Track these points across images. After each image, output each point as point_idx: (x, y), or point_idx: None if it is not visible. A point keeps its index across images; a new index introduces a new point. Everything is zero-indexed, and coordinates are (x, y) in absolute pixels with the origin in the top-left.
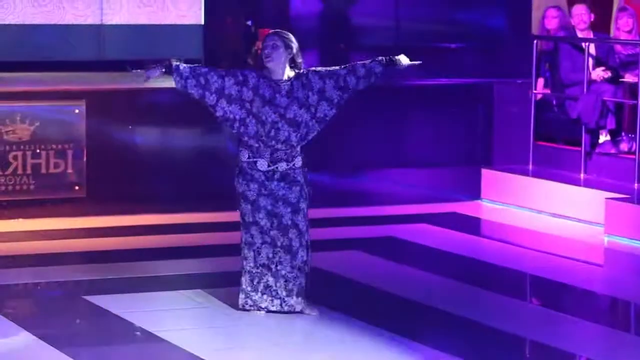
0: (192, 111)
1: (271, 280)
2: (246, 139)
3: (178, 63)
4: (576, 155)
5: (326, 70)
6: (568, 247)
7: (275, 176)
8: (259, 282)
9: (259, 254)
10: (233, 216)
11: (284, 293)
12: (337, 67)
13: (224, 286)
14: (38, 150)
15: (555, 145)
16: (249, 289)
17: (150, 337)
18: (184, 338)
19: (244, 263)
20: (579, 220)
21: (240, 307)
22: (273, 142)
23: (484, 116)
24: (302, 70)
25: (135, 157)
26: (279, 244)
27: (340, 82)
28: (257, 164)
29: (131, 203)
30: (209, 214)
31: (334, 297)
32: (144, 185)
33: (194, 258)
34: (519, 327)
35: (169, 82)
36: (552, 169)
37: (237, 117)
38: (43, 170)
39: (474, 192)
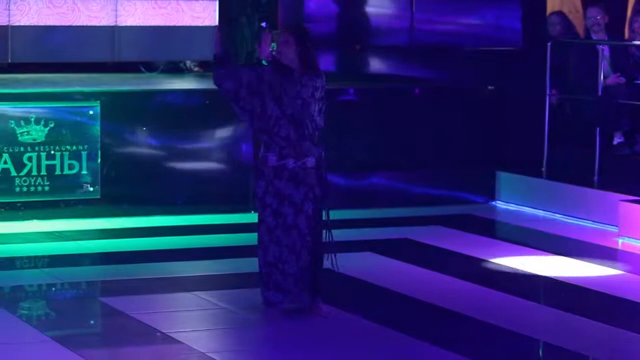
0: (206, 112)
1: (280, 278)
2: (262, 133)
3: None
4: (590, 157)
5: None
6: (582, 249)
7: (285, 175)
8: (268, 281)
9: (267, 252)
10: (247, 218)
11: (295, 290)
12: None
13: (239, 287)
14: (53, 152)
15: (569, 147)
16: (262, 286)
17: (165, 338)
18: (198, 339)
19: (260, 262)
20: (593, 222)
21: (262, 301)
22: (276, 138)
23: (498, 118)
24: (319, 72)
25: (150, 158)
26: (284, 243)
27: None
28: (268, 159)
29: (145, 204)
30: (223, 215)
31: (348, 298)
32: (158, 187)
33: (209, 259)
34: (534, 329)
35: (183, 84)
36: (567, 171)
37: (259, 110)
38: (58, 172)
39: (489, 194)
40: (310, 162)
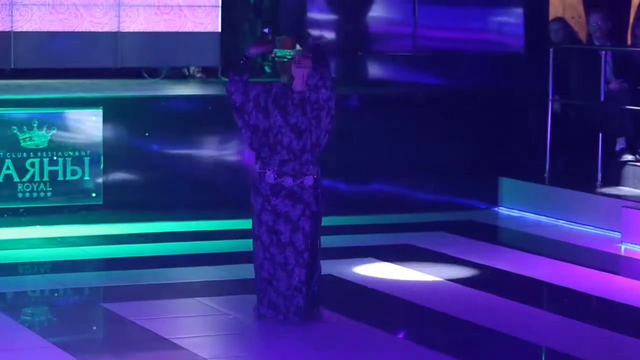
0: (208, 118)
1: (274, 295)
2: (261, 148)
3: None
4: (593, 163)
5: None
6: (585, 255)
7: (282, 192)
8: (263, 297)
9: (262, 268)
10: (249, 224)
11: (284, 310)
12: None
13: (241, 293)
14: (55, 157)
15: (572, 153)
16: (256, 301)
17: (166, 344)
18: (200, 345)
19: (256, 278)
20: (596, 228)
21: (254, 314)
22: (278, 147)
23: (501, 124)
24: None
25: (152, 164)
26: (277, 260)
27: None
28: (266, 176)
29: (148, 210)
30: (225, 221)
31: (350, 304)
32: (160, 193)
33: (211, 265)
34: (536, 335)
35: (185, 90)
36: (569, 177)
37: (261, 127)
38: (60, 177)
39: (491, 200)
40: (308, 181)
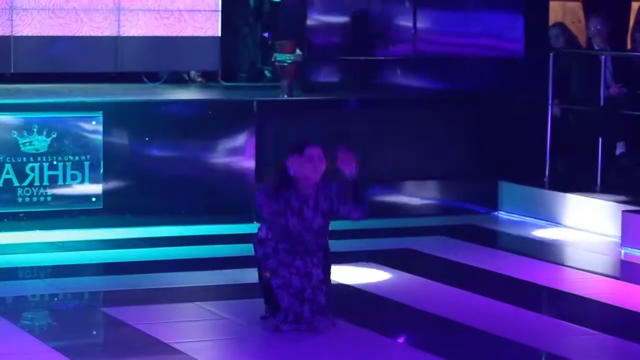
0: (209, 123)
1: (298, 306)
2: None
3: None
4: (593, 167)
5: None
6: (584, 259)
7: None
8: (289, 312)
9: (291, 284)
10: (250, 228)
11: (308, 315)
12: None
13: (242, 298)
14: (55, 162)
15: (572, 158)
16: (276, 319)
17: (166, 349)
18: (200, 349)
19: (279, 301)
20: (596, 233)
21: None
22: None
23: (501, 129)
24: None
25: (152, 168)
26: (302, 271)
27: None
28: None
29: (148, 215)
30: (226, 225)
31: (350, 309)
32: (160, 197)
33: (212, 270)
34: (535, 339)
35: (185, 94)
36: (569, 181)
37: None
38: (60, 182)
39: (491, 205)
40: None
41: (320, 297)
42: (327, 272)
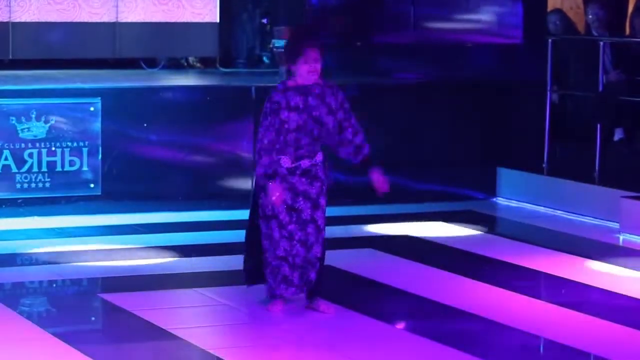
0: (207, 109)
1: (288, 271)
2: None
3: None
4: (591, 153)
5: (348, 107)
6: (583, 245)
7: (297, 172)
8: (277, 273)
9: (278, 246)
10: (247, 214)
11: (300, 282)
12: (351, 118)
13: (240, 284)
14: (53, 148)
15: (570, 144)
16: (270, 279)
17: (165, 335)
18: (199, 335)
19: (266, 255)
20: (594, 218)
21: (266, 294)
22: (310, 149)
23: (499, 115)
24: (331, 82)
25: (150, 155)
26: (296, 237)
27: (342, 124)
28: (281, 161)
29: (146, 201)
30: (224, 211)
31: (349, 295)
32: (158, 183)
33: (209, 256)
34: (534, 325)
35: (184, 80)
36: (568, 167)
37: (283, 140)
38: (58, 168)
39: (490, 191)
40: (319, 157)
41: (312, 273)
42: (324, 252)
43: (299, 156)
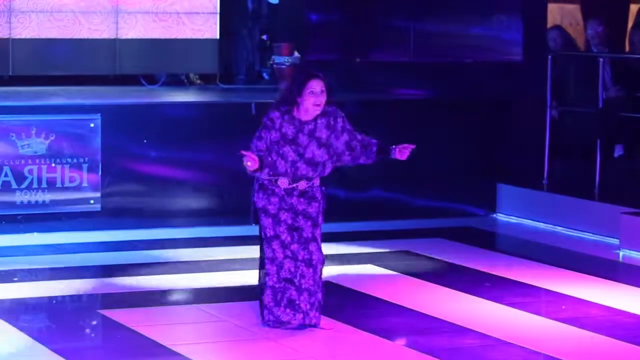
0: (206, 125)
1: (295, 294)
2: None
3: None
4: (591, 169)
5: (350, 127)
6: (583, 261)
7: (295, 192)
8: (282, 297)
9: (282, 268)
10: (248, 230)
11: (307, 307)
12: (355, 135)
13: (241, 300)
14: (53, 165)
15: (570, 160)
16: (272, 304)
17: (165, 351)
18: (199, 352)
19: (267, 279)
20: (594, 235)
21: (264, 323)
22: (300, 177)
23: (499, 130)
24: (329, 109)
25: (150, 171)
26: (299, 257)
27: (350, 144)
28: (278, 182)
29: (145, 217)
30: (224, 228)
31: (349, 311)
32: (158, 200)
33: (210, 272)
34: (534, 341)
35: (184, 97)
36: (568, 183)
37: (273, 159)
38: (58, 184)
39: (490, 207)
40: (317, 180)
41: (320, 294)
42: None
43: (297, 178)
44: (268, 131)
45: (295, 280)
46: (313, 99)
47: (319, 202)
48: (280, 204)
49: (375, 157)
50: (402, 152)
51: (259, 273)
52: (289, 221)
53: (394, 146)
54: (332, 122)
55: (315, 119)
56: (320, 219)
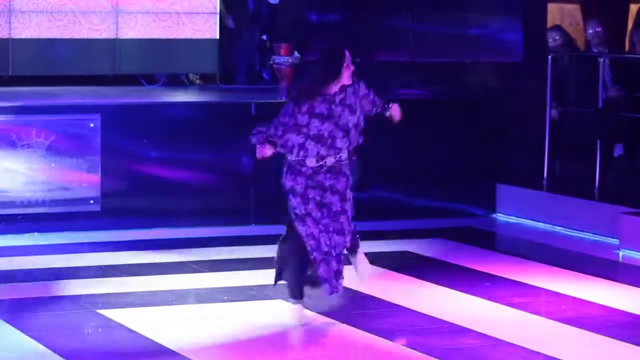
0: (206, 125)
1: (335, 264)
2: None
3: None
4: (591, 169)
5: (370, 91)
6: (583, 261)
7: (322, 169)
8: (330, 269)
9: (320, 242)
10: (247, 230)
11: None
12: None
13: (241, 300)
14: (53, 164)
15: (570, 160)
16: (326, 275)
17: (165, 351)
18: (200, 352)
19: (314, 254)
20: (594, 235)
21: (329, 294)
22: (331, 151)
23: (499, 131)
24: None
25: (150, 171)
26: (331, 229)
27: (369, 104)
28: (306, 161)
29: (145, 217)
30: (225, 227)
31: (349, 311)
32: (158, 199)
33: (210, 272)
34: (534, 341)
35: (184, 97)
36: (567, 183)
37: (296, 143)
38: (58, 184)
39: (489, 207)
40: (344, 155)
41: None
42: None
43: (323, 155)
44: (288, 114)
45: (332, 252)
46: (348, 72)
47: (347, 177)
48: (307, 183)
49: (384, 111)
50: (395, 111)
51: (278, 249)
52: (317, 198)
53: (389, 106)
54: (357, 87)
55: (344, 89)
56: (348, 193)
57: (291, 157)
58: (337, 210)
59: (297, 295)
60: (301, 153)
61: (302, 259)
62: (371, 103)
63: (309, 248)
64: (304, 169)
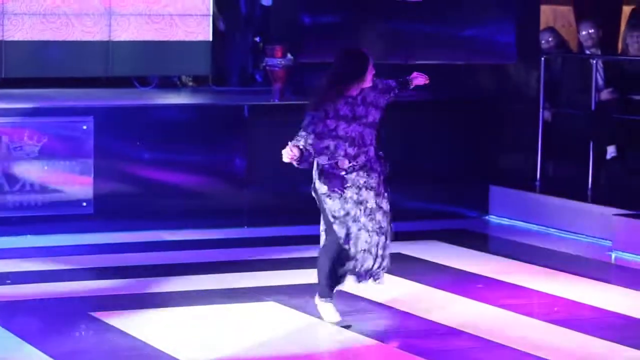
0: (200, 127)
1: (371, 263)
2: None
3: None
4: (584, 171)
5: (381, 80)
6: (575, 263)
7: (355, 168)
8: (362, 266)
9: (359, 240)
10: (240, 232)
11: (377, 270)
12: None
13: (234, 302)
14: (46, 167)
15: (563, 162)
16: (358, 270)
17: (159, 354)
18: (192, 355)
19: (352, 251)
20: (587, 236)
21: (358, 281)
22: (361, 150)
23: (492, 133)
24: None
25: (143, 173)
26: (370, 227)
27: (386, 92)
28: (339, 163)
29: (139, 219)
30: (217, 229)
31: (343, 314)
32: (151, 202)
33: (202, 274)
34: (526, 343)
35: (177, 99)
36: (560, 185)
37: (328, 146)
38: (51, 186)
39: (482, 209)
40: (371, 151)
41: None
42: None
43: (354, 155)
44: (319, 121)
45: (373, 250)
46: (370, 75)
47: (378, 173)
48: (342, 184)
49: (402, 85)
50: (418, 80)
51: (319, 259)
52: (355, 197)
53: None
54: (374, 84)
55: (362, 89)
56: (382, 188)
57: (323, 161)
58: (372, 207)
59: (326, 294)
60: (334, 155)
61: (334, 260)
62: (387, 90)
63: (347, 247)
64: (337, 171)
